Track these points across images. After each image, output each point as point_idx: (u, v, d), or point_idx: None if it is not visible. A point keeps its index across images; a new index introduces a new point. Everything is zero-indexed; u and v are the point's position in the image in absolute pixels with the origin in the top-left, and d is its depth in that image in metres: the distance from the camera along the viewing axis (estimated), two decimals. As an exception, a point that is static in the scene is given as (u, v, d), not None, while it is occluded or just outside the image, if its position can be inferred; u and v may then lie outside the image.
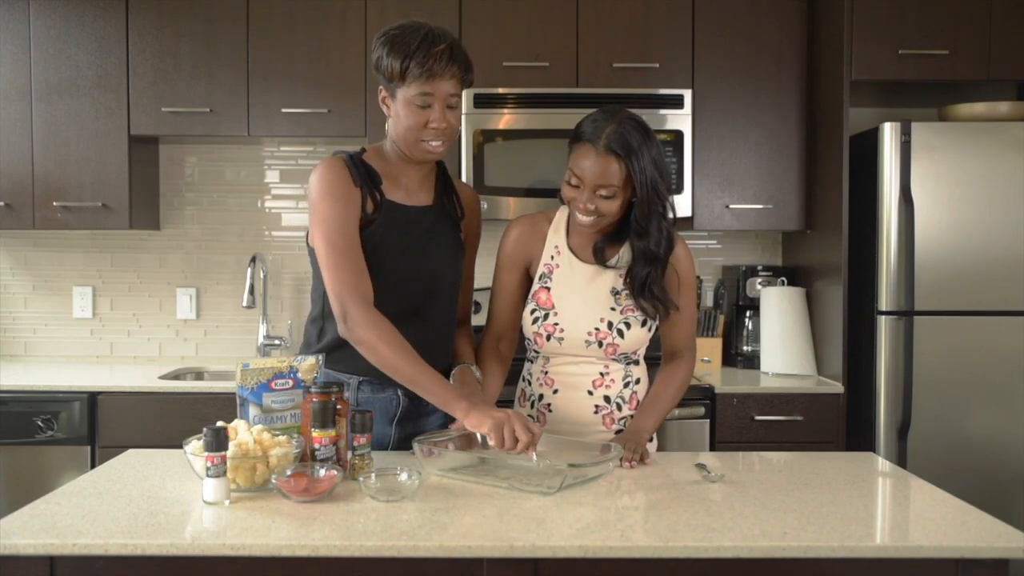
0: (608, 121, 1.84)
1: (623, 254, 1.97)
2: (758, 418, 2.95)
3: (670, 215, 1.91)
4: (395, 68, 1.81)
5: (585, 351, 1.95)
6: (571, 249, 1.99)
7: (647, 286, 1.91)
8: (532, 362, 2.05)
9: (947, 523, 1.49)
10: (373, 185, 1.90)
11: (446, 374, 2.03)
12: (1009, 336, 2.90)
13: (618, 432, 1.98)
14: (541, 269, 2.01)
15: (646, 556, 1.38)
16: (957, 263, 2.90)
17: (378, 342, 1.79)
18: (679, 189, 3.15)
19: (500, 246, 2.05)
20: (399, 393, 1.95)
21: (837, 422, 2.96)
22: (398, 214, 1.92)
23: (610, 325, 1.94)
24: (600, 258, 1.96)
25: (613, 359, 1.97)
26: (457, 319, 2.09)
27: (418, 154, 1.89)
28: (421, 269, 1.94)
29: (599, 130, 1.83)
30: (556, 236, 2.01)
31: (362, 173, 1.89)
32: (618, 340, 1.94)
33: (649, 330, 1.97)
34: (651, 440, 2.01)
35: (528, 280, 2.04)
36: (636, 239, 1.91)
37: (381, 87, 1.89)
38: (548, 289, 1.98)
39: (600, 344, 1.94)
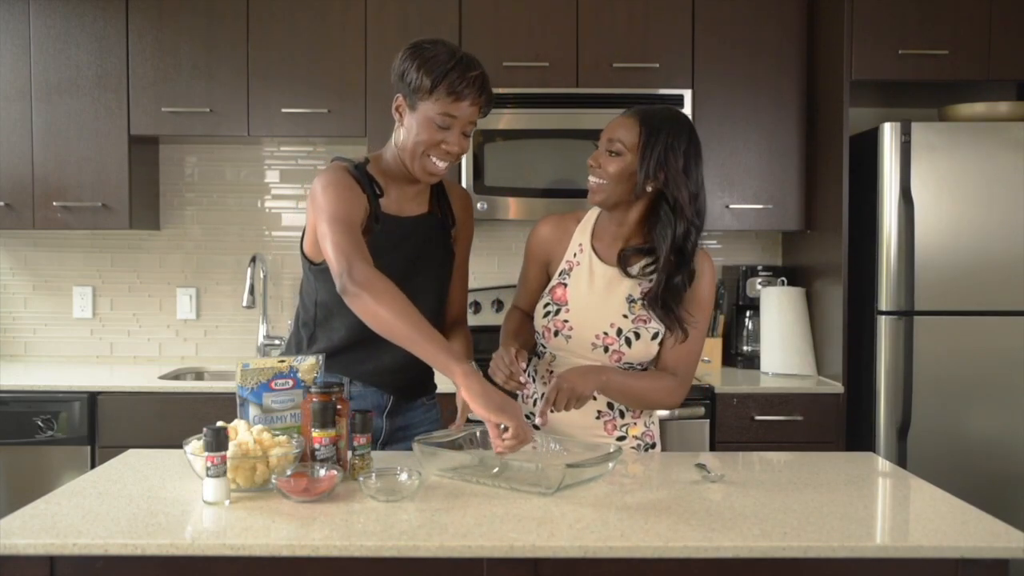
0: (653, 107, 1.95)
1: (647, 268, 1.93)
2: (758, 418, 2.95)
3: (689, 213, 1.86)
4: (425, 83, 1.80)
5: (590, 354, 1.94)
6: (594, 250, 1.99)
7: (663, 298, 1.88)
8: (539, 358, 2.04)
9: (947, 523, 1.49)
10: (375, 197, 1.90)
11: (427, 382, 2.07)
12: (1009, 336, 2.90)
13: (620, 439, 1.97)
14: (562, 266, 2.00)
15: (646, 556, 1.38)
16: (957, 263, 2.90)
17: (376, 294, 1.68)
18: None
19: (528, 240, 2.07)
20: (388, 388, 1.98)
21: (837, 422, 2.96)
22: (392, 227, 1.91)
23: (619, 332, 1.92)
24: (623, 264, 1.94)
25: (618, 366, 1.95)
26: (452, 319, 2.09)
27: (419, 170, 1.87)
28: (408, 282, 1.90)
29: (641, 108, 1.93)
30: (582, 234, 2.01)
31: (367, 183, 1.89)
32: (624, 348, 1.92)
33: (660, 344, 1.94)
34: (595, 399, 1.93)
35: (548, 277, 2.04)
36: (661, 240, 1.88)
37: (399, 95, 1.86)
38: (565, 285, 1.97)
39: (606, 349, 1.92)
